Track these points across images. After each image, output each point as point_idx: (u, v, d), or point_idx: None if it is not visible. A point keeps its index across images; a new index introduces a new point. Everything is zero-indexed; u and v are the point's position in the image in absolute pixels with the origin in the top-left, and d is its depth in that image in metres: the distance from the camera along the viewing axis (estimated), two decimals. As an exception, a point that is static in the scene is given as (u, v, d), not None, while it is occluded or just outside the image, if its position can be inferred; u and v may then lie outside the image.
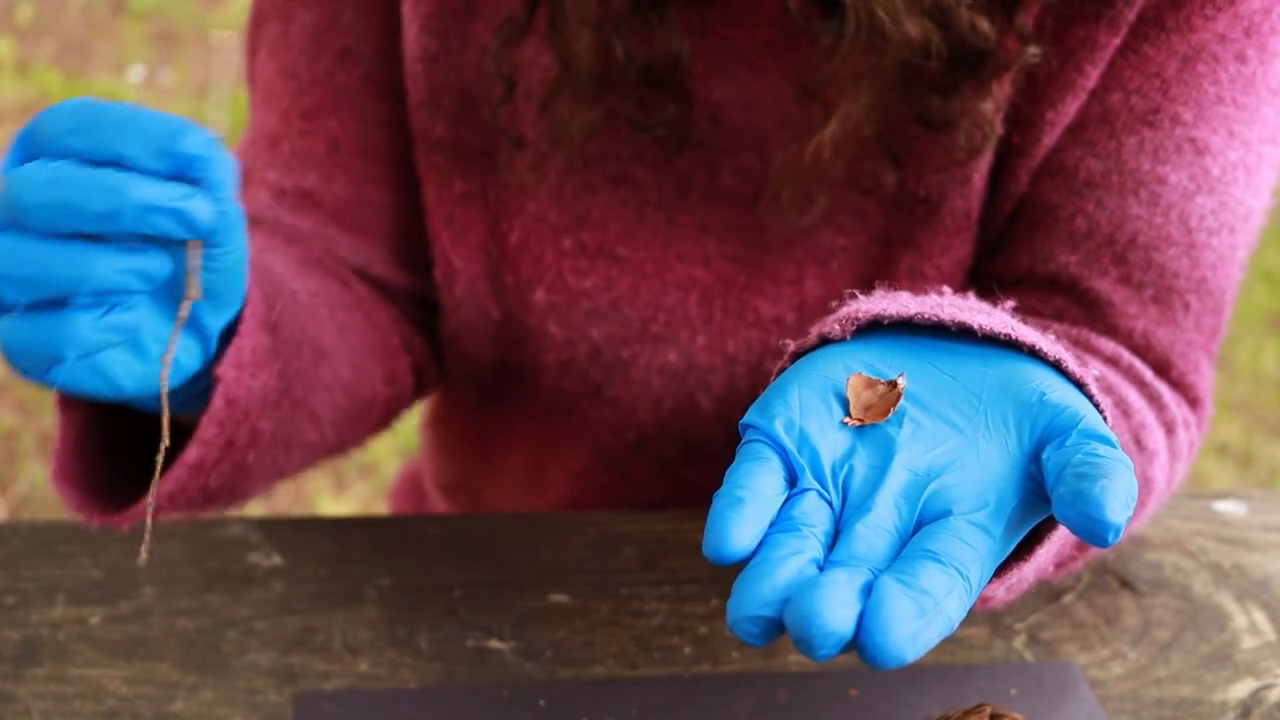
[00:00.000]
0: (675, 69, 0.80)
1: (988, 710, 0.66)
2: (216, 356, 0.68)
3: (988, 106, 0.77)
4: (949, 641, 0.80)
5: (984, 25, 0.73)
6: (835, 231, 0.85)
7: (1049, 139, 0.80)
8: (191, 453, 0.69)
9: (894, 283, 0.84)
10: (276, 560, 0.85)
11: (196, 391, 0.70)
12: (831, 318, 0.62)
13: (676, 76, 0.80)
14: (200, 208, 0.56)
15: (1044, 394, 0.56)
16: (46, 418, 2.42)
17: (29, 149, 0.57)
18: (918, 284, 0.84)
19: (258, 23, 0.90)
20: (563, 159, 0.85)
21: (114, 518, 0.71)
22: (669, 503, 0.96)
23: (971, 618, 0.82)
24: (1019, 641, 0.81)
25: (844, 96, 0.76)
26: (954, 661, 0.79)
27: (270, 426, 0.74)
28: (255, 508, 2.07)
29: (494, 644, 0.79)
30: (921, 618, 0.47)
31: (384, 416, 0.93)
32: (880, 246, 0.85)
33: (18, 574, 0.83)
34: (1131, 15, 0.76)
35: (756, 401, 0.57)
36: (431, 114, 0.86)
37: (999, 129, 0.79)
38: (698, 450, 0.94)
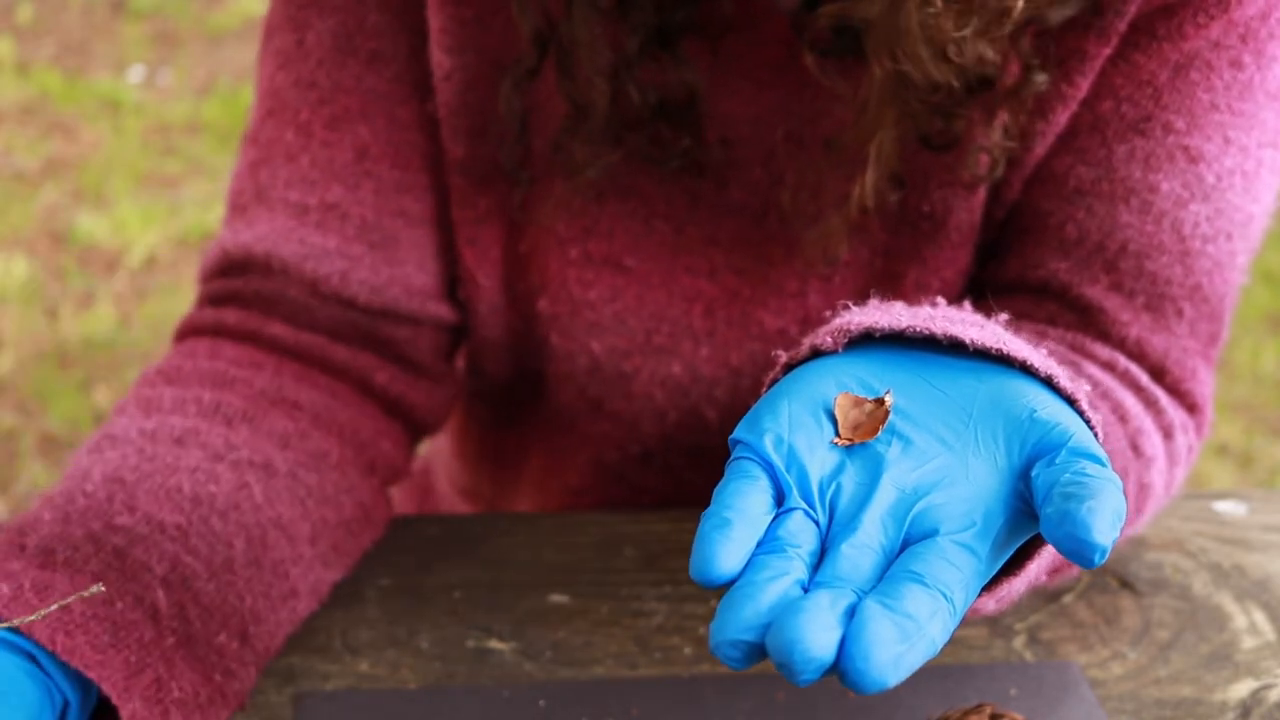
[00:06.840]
0: (691, 102, 0.79)
1: (988, 710, 0.66)
2: None
3: (996, 135, 0.77)
4: (948, 642, 0.80)
5: (989, 53, 0.73)
6: None
7: (1040, 149, 0.80)
8: None
9: (900, 297, 0.84)
10: (276, 560, 0.85)
11: None
12: (824, 329, 0.62)
13: (692, 110, 0.80)
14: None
15: (1034, 410, 0.55)
16: (46, 418, 2.42)
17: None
18: (923, 297, 0.84)
19: (269, 35, 0.86)
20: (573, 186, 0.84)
21: None
22: (670, 503, 0.96)
23: (970, 619, 0.82)
24: (1019, 641, 0.81)
25: (873, 144, 0.76)
26: (954, 661, 0.79)
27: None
28: (255, 508, 2.06)
29: (494, 644, 0.79)
30: (904, 642, 0.47)
31: (390, 481, 0.89)
32: (884, 261, 0.85)
33: (18, 574, 0.83)
34: (1122, 25, 0.76)
35: (747, 415, 0.57)
36: (451, 133, 0.84)
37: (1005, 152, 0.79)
38: (705, 459, 0.94)
